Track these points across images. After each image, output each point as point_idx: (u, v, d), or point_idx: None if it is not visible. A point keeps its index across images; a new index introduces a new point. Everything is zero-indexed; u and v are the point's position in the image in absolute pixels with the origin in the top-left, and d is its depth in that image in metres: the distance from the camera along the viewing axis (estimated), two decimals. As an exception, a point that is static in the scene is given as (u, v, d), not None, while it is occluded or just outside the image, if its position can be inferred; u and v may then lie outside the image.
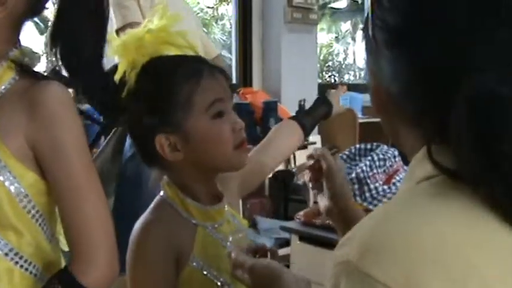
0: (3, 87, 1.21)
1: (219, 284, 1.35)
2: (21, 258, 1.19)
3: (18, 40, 1.26)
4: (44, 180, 1.20)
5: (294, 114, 4.09)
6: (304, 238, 2.23)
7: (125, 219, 2.88)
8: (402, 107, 0.83)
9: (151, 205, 1.40)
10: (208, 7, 14.18)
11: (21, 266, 1.19)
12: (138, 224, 1.36)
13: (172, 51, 1.40)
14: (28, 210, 1.19)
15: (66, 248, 1.25)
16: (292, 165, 4.30)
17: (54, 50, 1.27)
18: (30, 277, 1.21)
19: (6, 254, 1.18)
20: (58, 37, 1.27)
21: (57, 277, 1.19)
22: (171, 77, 1.33)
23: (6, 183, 1.16)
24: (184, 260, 1.32)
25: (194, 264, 1.32)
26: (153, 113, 1.32)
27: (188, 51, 1.41)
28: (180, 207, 1.36)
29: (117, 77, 1.33)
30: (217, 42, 12.62)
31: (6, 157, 1.15)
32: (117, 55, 1.36)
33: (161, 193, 1.39)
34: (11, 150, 1.16)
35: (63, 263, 1.28)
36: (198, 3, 14.49)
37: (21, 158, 1.17)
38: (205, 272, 1.34)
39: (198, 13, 14.37)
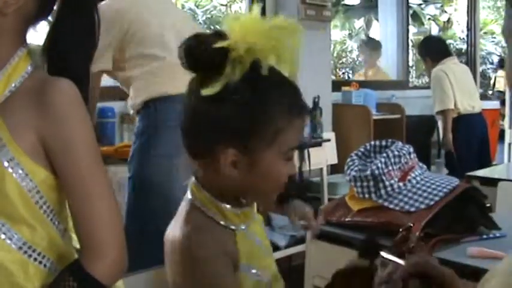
0: (13, 85, 1.22)
1: (265, 281, 1.36)
2: (34, 251, 1.22)
3: (25, 40, 1.28)
4: (54, 176, 1.22)
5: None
6: (320, 235, 2.23)
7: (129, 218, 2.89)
8: None
9: (182, 212, 1.35)
10: (222, 4, 14.19)
11: (35, 259, 1.22)
12: (177, 237, 1.30)
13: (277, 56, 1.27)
14: (40, 206, 1.22)
15: (78, 245, 1.27)
16: (307, 163, 4.29)
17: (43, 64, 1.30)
18: (44, 270, 1.23)
19: (20, 248, 1.20)
20: (47, 54, 1.30)
21: (68, 269, 1.21)
22: (278, 101, 1.26)
23: (19, 180, 1.18)
24: (235, 268, 1.30)
25: (243, 269, 1.31)
26: (240, 123, 1.24)
27: (287, 66, 1.32)
28: (215, 212, 1.32)
29: (219, 45, 1.21)
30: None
31: (19, 154, 1.17)
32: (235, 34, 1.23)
33: (188, 196, 1.35)
34: (23, 147, 1.18)
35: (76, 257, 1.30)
36: (211, 0, 14.51)
37: (33, 155, 1.19)
38: (253, 272, 1.33)
39: (212, 10, 14.40)
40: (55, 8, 1.30)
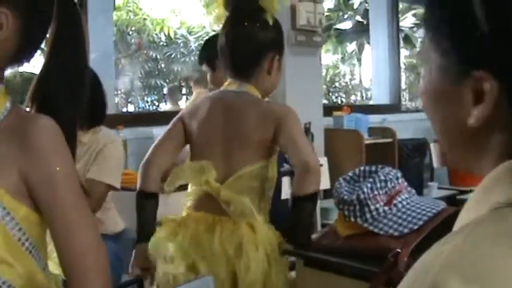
0: None
1: None
2: None
3: (2, 78, 1.28)
4: (36, 212, 1.22)
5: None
6: (309, 262, 2.22)
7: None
8: None
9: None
10: (214, 31, 14.27)
11: None
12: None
13: None
14: (22, 243, 1.22)
15: (55, 271, 1.28)
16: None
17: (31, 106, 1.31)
18: None
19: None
20: (36, 99, 1.32)
21: None
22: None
23: (0, 218, 1.17)
24: None
25: None
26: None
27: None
28: None
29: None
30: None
31: (1, 194, 1.17)
32: None
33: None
34: (4, 185, 1.18)
35: None
36: (204, 27, 14.60)
37: (15, 193, 1.19)
38: None
39: (204, 37, 14.47)
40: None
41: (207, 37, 4.20)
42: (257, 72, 2.47)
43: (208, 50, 3.93)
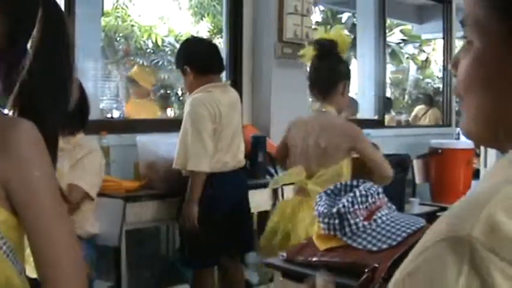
0: None
1: None
2: None
3: None
4: (14, 216, 1.22)
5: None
6: (287, 274, 2.23)
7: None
8: None
9: None
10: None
11: None
12: None
13: None
14: (0, 247, 1.20)
15: (33, 275, 1.27)
16: (280, 199, 4.30)
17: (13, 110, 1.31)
18: None
19: None
20: (18, 103, 1.31)
21: None
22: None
23: None
24: None
25: None
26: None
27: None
28: None
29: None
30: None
31: None
32: None
33: None
34: None
35: None
36: (192, 35, 14.60)
37: None
38: None
39: (192, 46, 14.46)
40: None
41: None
42: (334, 94, 3.38)
43: (178, 57, 4.00)
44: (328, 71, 3.37)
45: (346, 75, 3.44)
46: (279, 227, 3.25)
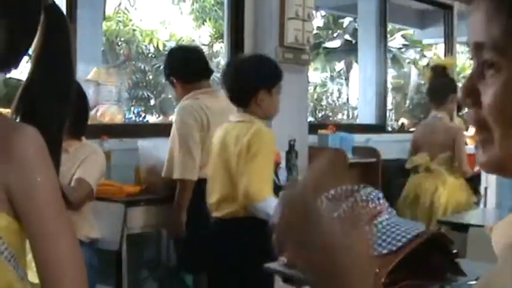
0: None
1: None
2: None
3: None
4: (16, 221, 1.21)
5: (284, 153, 4.12)
6: (288, 279, 2.22)
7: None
8: None
9: None
10: (204, 44, 14.29)
11: None
12: None
13: None
14: (1, 252, 1.20)
15: (35, 281, 1.27)
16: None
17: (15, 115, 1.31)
18: None
19: None
20: (20, 108, 1.31)
21: None
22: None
23: None
24: None
25: None
26: None
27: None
28: None
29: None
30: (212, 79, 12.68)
31: None
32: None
33: None
34: None
35: None
36: (193, 40, 14.61)
37: None
38: None
39: (193, 51, 14.49)
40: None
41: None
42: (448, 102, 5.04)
43: (164, 69, 4.03)
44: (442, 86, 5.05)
45: (454, 90, 4.90)
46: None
